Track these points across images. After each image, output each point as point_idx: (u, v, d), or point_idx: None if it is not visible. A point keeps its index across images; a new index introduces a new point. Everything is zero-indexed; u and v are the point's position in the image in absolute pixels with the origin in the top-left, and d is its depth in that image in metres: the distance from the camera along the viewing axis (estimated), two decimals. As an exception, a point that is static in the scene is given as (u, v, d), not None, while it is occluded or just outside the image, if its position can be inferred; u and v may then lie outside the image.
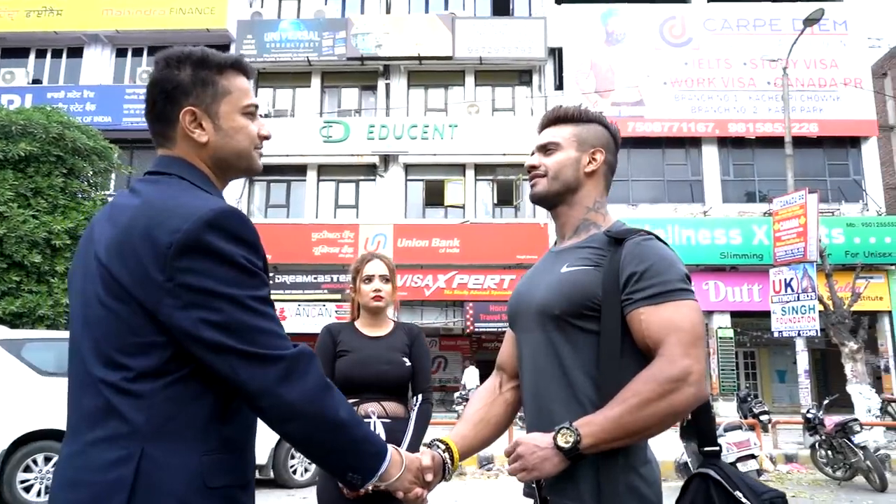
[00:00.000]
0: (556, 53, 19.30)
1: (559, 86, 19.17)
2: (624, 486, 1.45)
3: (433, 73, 19.71)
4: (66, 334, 8.32)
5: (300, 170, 18.94)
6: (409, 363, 2.82)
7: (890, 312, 17.50)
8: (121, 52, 20.07)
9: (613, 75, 18.84)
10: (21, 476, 6.60)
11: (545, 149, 1.71)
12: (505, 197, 19.10)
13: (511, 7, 20.14)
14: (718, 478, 1.47)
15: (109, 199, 13.11)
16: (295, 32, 19.16)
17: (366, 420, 2.64)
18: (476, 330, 18.01)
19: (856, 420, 8.71)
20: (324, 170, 19.12)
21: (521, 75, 19.77)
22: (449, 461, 1.61)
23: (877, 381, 16.31)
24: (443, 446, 1.64)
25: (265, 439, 7.00)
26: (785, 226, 12.07)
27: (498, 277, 17.95)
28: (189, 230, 1.19)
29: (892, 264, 17.38)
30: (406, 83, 19.67)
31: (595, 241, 1.62)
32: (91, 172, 12.16)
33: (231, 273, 1.22)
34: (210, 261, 1.20)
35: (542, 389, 1.58)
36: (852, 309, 12.73)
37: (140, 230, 1.21)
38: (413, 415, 2.80)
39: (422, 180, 19.21)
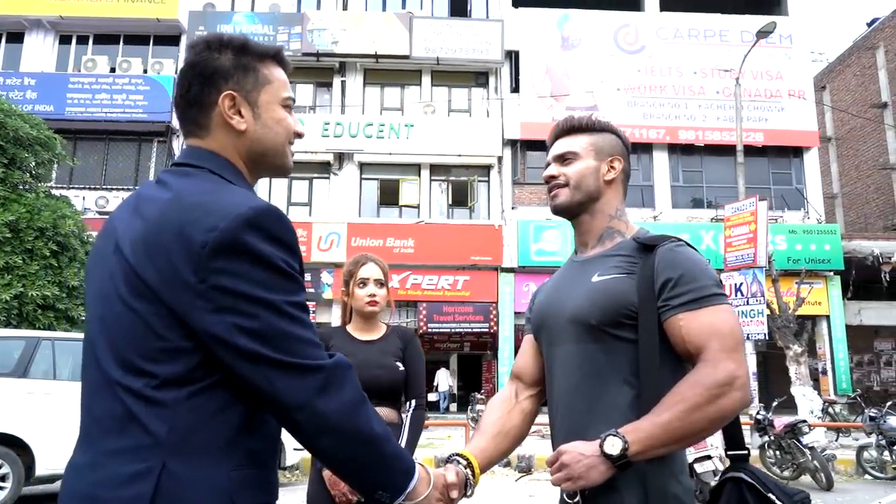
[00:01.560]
0: (512, 56, 19.42)
1: (515, 88, 19.30)
2: (671, 495, 1.44)
3: (390, 72, 19.59)
4: (10, 332, 7.96)
5: (252, 166, 18.55)
6: (402, 368, 2.74)
7: (828, 317, 18.19)
8: (65, 39, 19.31)
9: (568, 80, 19.07)
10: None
11: (563, 159, 1.69)
12: (460, 198, 19.12)
13: (469, 8, 20.17)
14: (752, 481, 1.46)
15: (53, 191, 12.59)
16: (249, 25, 18.77)
17: None
18: (429, 331, 17.97)
19: (804, 421, 9.00)
20: (277, 166, 18.75)
21: (478, 77, 19.83)
22: (471, 476, 1.56)
23: (815, 383, 16.93)
24: (464, 461, 1.58)
25: None
26: (736, 232, 12.41)
27: (452, 278, 17.95)
28: (226, 229, 1.09)
29: (830, 270, 18.06)
30: (362, 81, 19.50)
31: (623, 248, 1.61)
32: (34, 163, 11.61)
33: (268, 276, 1.12)
34: (247, 262, 1.10)
35: (576, 400, 1.55)
36: (796, 313, 13.18)
37: (172, 226, 1.11)
38: (407, 421, 2.73)
39: (376, 179, 19.07)
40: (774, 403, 10.31)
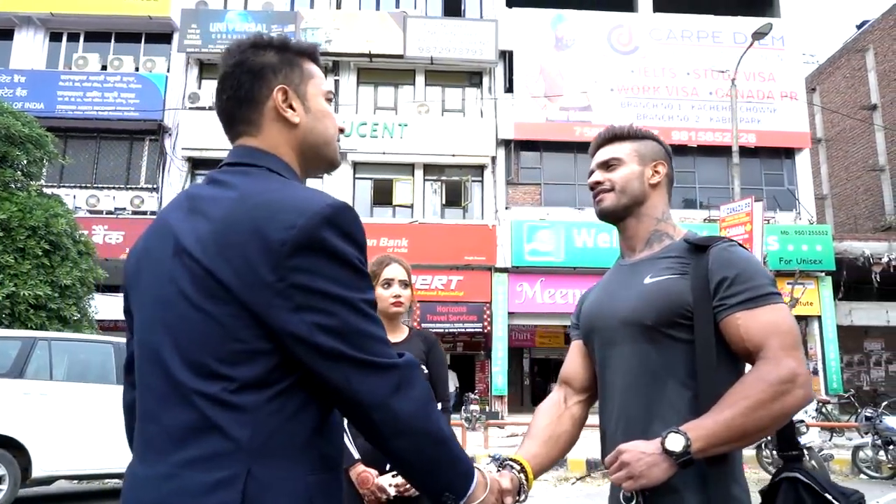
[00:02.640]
0: (506, 56, 19.41)
1: (509, 88, 19.29)
2: (732, 496, 1.44)
3: (383, 72, 19.53)
4: (6, 332, 7.85)
5: (245, 165, 18.45)
6: (426, 371, 2.71)
7: (819, 317, 18.29)
8: (55, 37, 19.10)
9: (562, 80, 19.08)
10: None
11: (607, 165, 1.73)
12: (453, 198, 19.09)
13: (462, 8, 20.15)
14: (808, 481, 1.45)
15: (45, 189, 12.46)
16: (242, 24, 18.66)
17: None
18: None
19: (802, 421, 9.03)
20: (269, 165, 18.66)
21: (472, 77, 19.81)
22: (525, 482, 1.56)
23: (807, 383, 17.00)
24: (518, 466, 1.58)
25: None
26: (731, 232, 12.45)
27: (445, 278, 17.92)
28: (305, 226, 1.08)
29: (821, 271, 18.17)
30: (356, 80, 19.43)
31: (674, 250, 1.63)
32: (26, 161, 11.49)
33: (345, 273, 1.11)
34: (325, 260, 1.09)
35: (631, 401, 1.56)
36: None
37: (245, 225, 1.09)
38: None
39: (370, 179, 19.01)
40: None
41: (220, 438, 1.05)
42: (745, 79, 18.60)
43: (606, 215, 1.73)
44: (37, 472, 6.60)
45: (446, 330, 18.49)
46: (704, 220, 18.29)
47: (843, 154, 25.32)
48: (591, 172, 1.77)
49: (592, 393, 1.77)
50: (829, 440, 12.15)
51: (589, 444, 3.88)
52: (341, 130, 1.37)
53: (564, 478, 9.15)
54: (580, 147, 18.83)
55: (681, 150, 19.21)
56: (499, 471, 1.56)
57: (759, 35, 13.70)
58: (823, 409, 14.85)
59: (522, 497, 1.54)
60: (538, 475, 1.63)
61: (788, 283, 13.90)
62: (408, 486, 2.48)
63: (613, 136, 1.76)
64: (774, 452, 9.14)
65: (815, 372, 18.18)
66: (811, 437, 8.87)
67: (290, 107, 1.27)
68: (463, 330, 18.37)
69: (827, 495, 1.42)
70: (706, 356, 1.47)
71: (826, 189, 25.93)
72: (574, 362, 1.79)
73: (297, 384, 1.11)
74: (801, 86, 19.75)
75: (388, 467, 2.51)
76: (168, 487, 1.05)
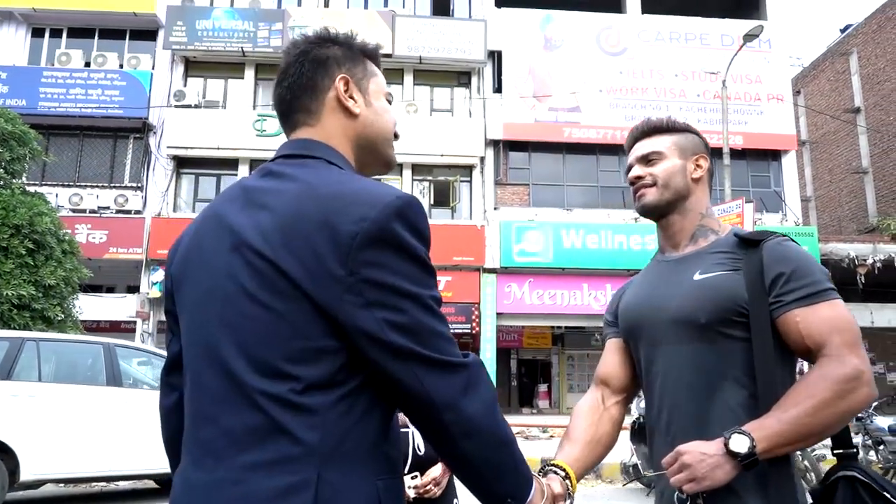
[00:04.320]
0: (495, 56, 19.38)
1: (498, 89, 19.26)
2: (791, 496, 1.41)
3: (371, 71, 19.40)
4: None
5: (231, 164, 18.28)
6: None
7: (805, 318, 18.40)
8: (37, 32, 18.77)
9: (551, 80, 19.08)
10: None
11: (647, 159, 1.67)
12: (442, 198, 19.02)
13: (451, 8, 20.10)
14: (866, 480, 1.41)
15: (28, 188, 12.22)
16: (229, 21, 18.47)
17: (404, 430, 2.45)
18: (411, 331, 17.83)
19: None
20: (256, 164, 18.46)
21: (460, 76, 19.76)
22: (570, 487, 1.52)
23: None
24: (562, 472, 1.53)
25: None
26: (721, 233, 12.48)
27: (434, 279, 17.82)
28: (377, 219, 1.03)
29: (807, 272, 18.28)
30: (343, 79, 19.28)
31: (722, 245, 1.58)
32: (8, 158, 11.27)
33: (414, 269, 1.07)
34: (396, 254, 1.05)
35: (684, 402, 1.51)
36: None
37: (313, 217, 1.04)
38: None
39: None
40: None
41: (288, 441, 1.00)
42: (733, 81, 18.69)
43: (649, 211, 1.66)
44: (25, 475, 6.43)
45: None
46: (692, 221, 18.36)
47: (828, 156, 25.57)
48: (630, 168, 1.70)
49: (630, 393, 1.74)
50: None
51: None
52: (396, 136, 1.33)
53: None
54: (569, 148, 18.86)
55: (669, 151, 19.31)
56: (545, 476, 1.50)
57: (749, 37, 13.78)
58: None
59: (569, 502, 1.50)
60: (580, 478, 1.59)
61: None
62: (428, 486, 2.43)
63: (652, 129, 1.69)
64: (861, 452, 9.22)
65: (801, 372, 18.27)
66: None
67: (352, 97, 1.25)
68: (452, 331, 18.25)
69: (886, 493, 1.38)
70: (764, 354, 1.42)
71: (810, 191, 26.17)
72: (612, 362, 1.74)
73: (363, 385, 1.06)
74: (787, 88, 19.92)
75: (406, 469, 2.45)
76: (233, 493, 1.00)
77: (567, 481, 1.51)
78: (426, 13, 19.90)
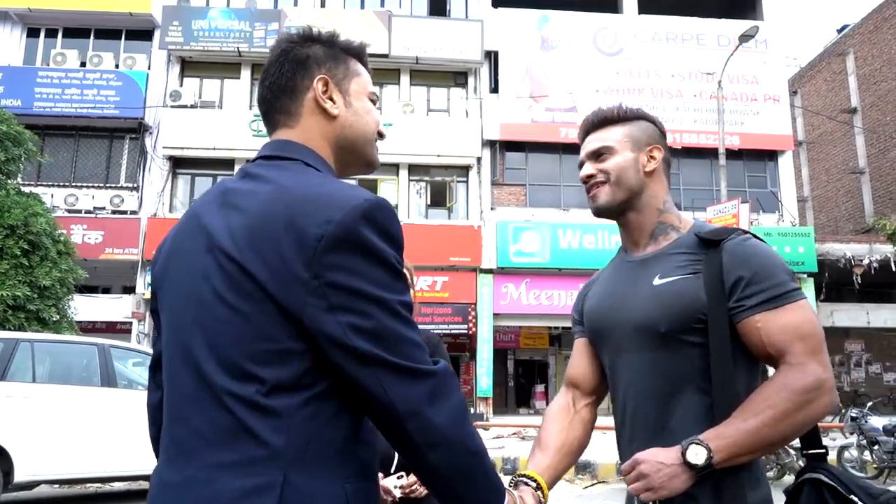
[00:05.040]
0: (492, 56, 19.37)
1: (494, 89, 19.25)
2: (750, 502, 1.37)
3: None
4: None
5: (227, 164, 18.24)
6: None
7: (801, 318, 18.42)
8: (33, 32, 18.73)
9: (548, 80, 19.08)
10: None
11: (597, 155, 1.59)
12: (438, 198, 19.02)
13: (448, 8, 20.08)
14: (831, 482, 1.38)
15: (23, 188, 12.18)
16: (225, 21, 18.44)
17: None
18: (408, 332, 17.81)
19: None
20: (253, 165, 18.46)
21: (457, 77, 19.75)
22: (542, 498, 1.49)
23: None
24: (534, 483, 1.50)
25: None
26: (718, 233, 12.48)
27: (431, 279, 17.82)
28: (343, 222, 1.02)
29: (804, 273, 18.31)
30: (340, 79, 19.26)
31: (682, 245, 1.51)
32: (3, 159, 11.23)
33: (381, 273, 1.05)
34: (362, 258, 1.03)
35: (646, 410, 1.48)
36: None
37: (280, 219, 1.03)
38: None
39: (354, 179, 18.82)
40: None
41: (254, 444, 1.00)
42: (730, 81, 18.72)
43: (603, 212, 1.60)
44: (19, 476, 6.41)
45: (432, 331, 18.40)
46: (689, 221, 18.37)
47: (824, 157, 25.61)
48: (581, 164, 1.63)
49: (601, 394, 1.71)
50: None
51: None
52: (381, 135, 1.32)
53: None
54: (565, 148, 18.85)
55: (665, 151, 19.32)
56: (516, 488, 1.49)
57: (745, 38, 13.79)
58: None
59: None
60: (551, 487, 1.56)
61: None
62: (414, 487, 2.43)
63: (603, 120, 1.62)
64: (855, 452, 9.23)
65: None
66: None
67: (330, 98, 1.23)
68: (448, 331, 18.27)
69: (852, 497, 1.35)
70: (722, 361, 1.39)
71: (807, 191, 26.22)
72: (581, 364, 1.71)
73: (331, 389, 1.05)
74: (784, 88, 19.94)
75: (393, 469, 2.44)
76: (201, 492, 1.00)
77: (539, 492, 1.48)
78: (423, 13, 19.88)
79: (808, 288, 18.45)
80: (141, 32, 18.87)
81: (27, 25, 18.66)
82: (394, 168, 18.84)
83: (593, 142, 1.61)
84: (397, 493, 2.38)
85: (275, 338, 1.02)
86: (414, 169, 18.93)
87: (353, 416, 1.08)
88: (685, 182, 19.33)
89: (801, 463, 8.59)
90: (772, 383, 1.35)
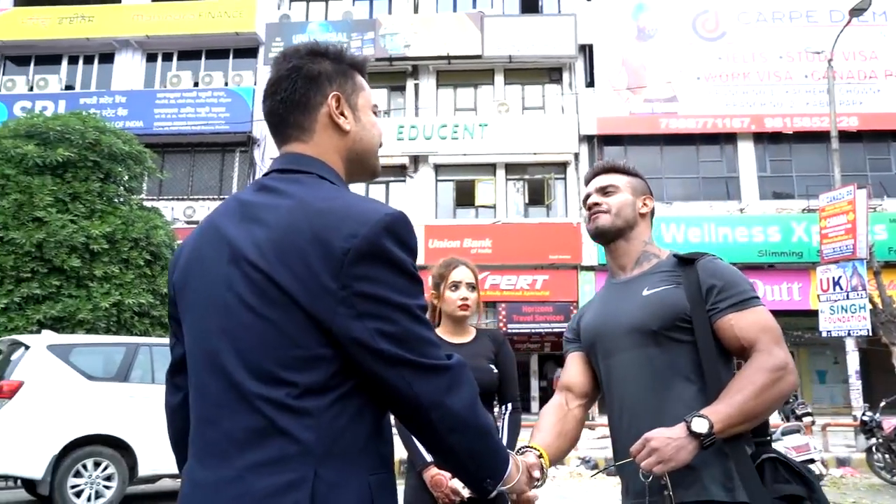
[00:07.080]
0: (586, 50, 19.06)
1: (590, 83, 18.93)
2: (750, 465, 1.62)
3: (462, 73, 19.57)
4: (112, 338, 8.30)
5: (330, 171, 18.87)
6: (496, 370, 2.71)
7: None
8: (151, 57, 20.19)
9: (645, 71, 18.56)
10: (71, 481, 6.61)
11: (604, 190, 1.96)
12: (536, 196, 18.91)
13: (540, 4, 19.93)
14: (784, 459, 1.67)
15: (144, 203, 13.14)
16: (323, 34, 19.11)
17: None
18: (509, 332, 17.81)
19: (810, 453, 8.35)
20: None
21: (552, 73, 19.57)
22: (544, 465, 1.72)
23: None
24: (537, 452, 1.75)
25: (43, 447, 6.50)
26: (832, 222, 11.76)
27: (531, 278, 17.76)
28: (367, 236, 1.11)
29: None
30: (435, 83, 19.56)
31: (664, 266, 1.87)
32: (127, 177, 12.17)
33: (403, 281, 1.15)
34: (386, 269, 1.13)
35: (643, 399, 1.77)
36: (902, 307, 12.37)
37: (305, 232, 1.11)
38: (504, 423, 2.73)
39: (452, 180, 19.07)
40: (882, 404, 9.66)
41: (286, 442, 1.07)
42: (845, 59, 17.54)
43: (599, 234, 1.94)
44: (143, 470, 6.95)
45: (533, 330, 18.35)
46: (803, 210, 17.38)
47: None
48: (587, 196, 1.98)
49: (590, 398, 1.99)
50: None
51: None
52: (380, 145, 1.41)
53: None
54: (666, 140, 18.30)
55: (775, 137, 18.36)
56: (521, 455, 1.70)
57: (857, 11, 12.87)
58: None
59: (542, 482, 1.67)
60: (551, 464, 1.80)
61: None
62: None
63: (611, 168, 2.00)
64: (888, 456, 8.57)
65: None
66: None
67: (342, 114, 1.29)
68: (550, 330, 18.14)
69: (798, 469, 1.66)
70: (709, 353, 1.71)
71: (939, 172, 24.11)
72: (574, 371, 2.00)
73: (356, 388, 1.14)
74: (907, 63, 18.46)
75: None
76: (235, 490, 1.07)
77: (540, 459, 1.72)
78: (515, 11, 19.83)
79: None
80: (247, 50, 19.90)
81: (146, 51, 20.11)
82: (491, 168, 18.90)
83: (602, 180, 1.97)
84: (465, 493, 2.44)
85: (305, 345, 1.09)
86: (511, 168, 18.91)
87: (374, 414, 1.17)
88: (798, 169, 18.30)
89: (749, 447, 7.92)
90: (749, 366, 1.66)
